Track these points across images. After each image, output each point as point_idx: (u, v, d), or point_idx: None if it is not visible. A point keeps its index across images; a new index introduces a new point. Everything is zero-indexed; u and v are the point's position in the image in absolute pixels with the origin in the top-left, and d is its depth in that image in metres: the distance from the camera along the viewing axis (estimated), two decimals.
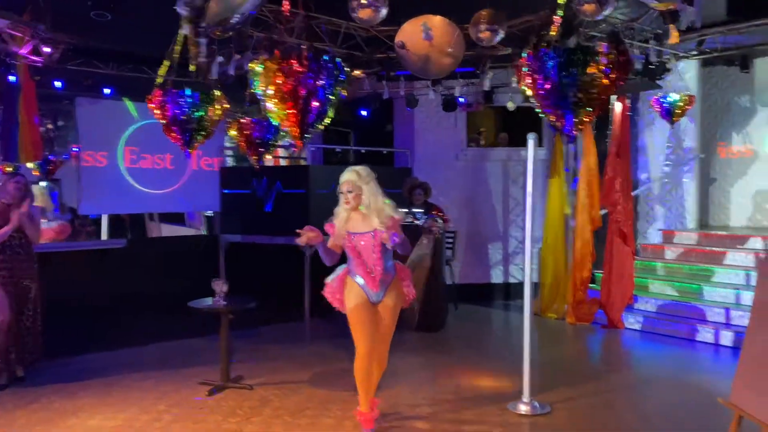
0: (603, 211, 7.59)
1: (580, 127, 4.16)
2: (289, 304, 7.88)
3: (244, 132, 6.72)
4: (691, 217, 8.64)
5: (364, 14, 5.19)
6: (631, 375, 5.88)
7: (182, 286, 6.02)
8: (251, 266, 8.13)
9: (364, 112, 9.35)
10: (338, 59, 4.34)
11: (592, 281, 7.81)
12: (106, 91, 8.04)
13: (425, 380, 5.36)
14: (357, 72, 6.93)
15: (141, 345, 6.48)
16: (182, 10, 4.61)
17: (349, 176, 3.94)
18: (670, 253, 7.97)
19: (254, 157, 6.91)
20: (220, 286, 5.03)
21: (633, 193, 7.79)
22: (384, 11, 5.18)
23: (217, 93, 5.29)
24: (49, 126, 10.49)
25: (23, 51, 6.12)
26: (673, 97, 7.56)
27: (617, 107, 7.37)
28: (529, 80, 4.22)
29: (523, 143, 4.62)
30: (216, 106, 5.22)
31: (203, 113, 5.10)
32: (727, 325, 6.58)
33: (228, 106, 5.47)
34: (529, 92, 4.30)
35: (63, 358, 5.90)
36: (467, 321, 7.86)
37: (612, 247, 7.34)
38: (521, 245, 8.99)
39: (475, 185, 9.15)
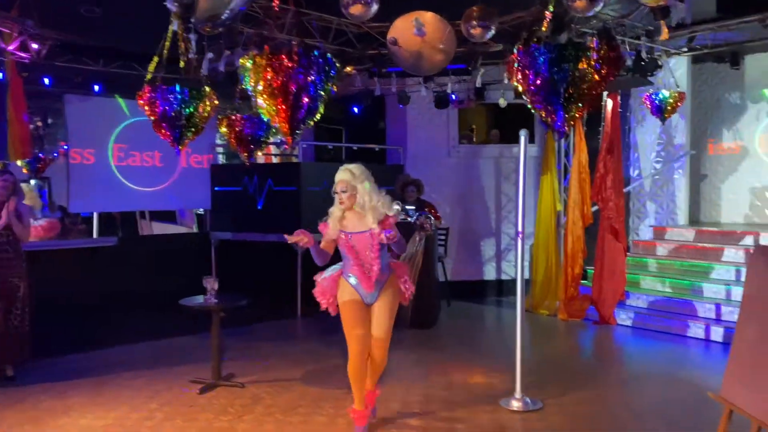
0: (594, 208, 7.62)
1: (571, 122, 4.16)
2: (281, 302, 7.87)
3: (235, 129, 6.70)
4: (682, 214, 8.67)
5: (355, 10, 5.17)
6: (623, 371, 5.91)
7: (173, 284, 6.00)
8: (243, 264, 8.10)
9: (355, 109, 9.33)
10: (329, 55, 4.31)
11: (584, 277, 7.84)
12: (96, 88, 7.99)
13: (418, 377, 5.35)
14: (348, 68, 6.90)
15: (132, 343, 6.44)
16: (172, 6, 4.58)
17: (342, 176, 3.88)
18: (662, 250, 8.00)
19: (245, 154, 6.88)
20: (211, 284, 5.00)
21: (624, 190, 7.81)
22: (375, 7, 5.17)
23: (207, 89, 5.25)
24: (39, 123, 10.42)
25: (11, 47, 6.07)
26: (664, 94, 7.58)
27: (609, 104, 7.39)
28: (520, 76, 4.22)
29: (515, 140, 4.62)
30: (206, 103, 5.18)
31: (193, 110, 5.06)
32: (718, 320, 6.61)
33: (218, 102, 5.43)
34: (520, 88, 4.30)
35: (53, 357, 5.85)
36: (460, 318, 7.87)
37: (603, 244, 7.36)
38: (513, 242, 9.00)
39: (468, 182, 9.15)
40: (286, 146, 7.18)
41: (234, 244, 8.31)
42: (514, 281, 4.75)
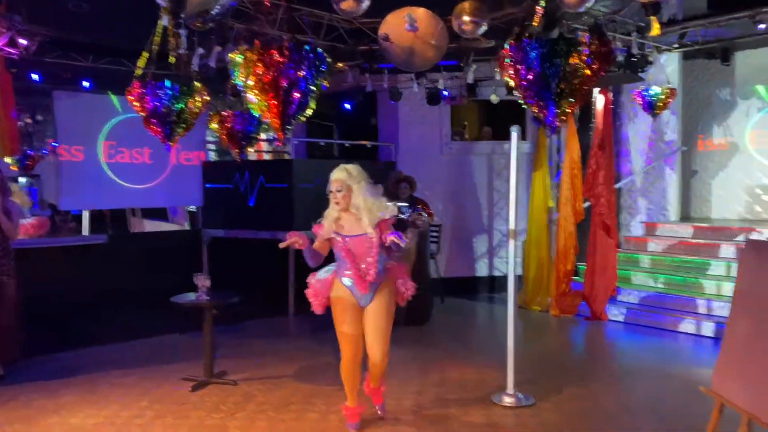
0: (586, 204, 7.63)
1: (562, 117, 4.16)
2: (274, 299, 7.84)
3: (226, 125, 6.65)
4: (673, 210, 8.71)
5: (346, 6, 5.15)
6: (615, 366, 5.93)
7: (165, 281, 5.95)
8: (235, 261, 8.07)
9: (347, 106, 9.30)
10: (320, 50, 4.29)
11: (576, 273, 7.87)
12: (85, 84, 7.92)
13: (411, 373, 5.35)
14: (340, 64, 6.87)
15: (123, 341, 6.40)
16: (161, 1, 4.54)
17: (338, 175, 3.80)
18: (653, 246, 8.03)
19: (236, 150, 6.84)
20: (203, 281, 4.98)
21: (616, 186, 7.84)
22: (366, 3, 5.14)
23: (198, 85, 5.21)
24: (28, 120, 10.34)
25: None
26: (655, 90, 7.60)
27: (600, 100, 7.40)
28: (511, 71, 4.21)
29: (507, 137, 4.62)
30: (196, 98, 5.14)
31: (183, 105, 5.02)
32: (709, 315, 6.65)
33: (209, 98, 5.39)
34: (511, 83, 4.29)
35: (43, 355, 5.81)
36: (452, 314, 7.87)
37: (595, 240, 7.39)
38: (505, 238, 9.00)
39: (460, 179, 9.15)
40: (278, 143, 7.15)
41: (226, 241, 8.27)
42: (506, 277, 4.75)
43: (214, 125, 6.77)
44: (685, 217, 8.94)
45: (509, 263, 4.72)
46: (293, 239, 3.66)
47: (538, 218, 8.06)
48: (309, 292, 3.98)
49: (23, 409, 4.51)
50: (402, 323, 6.84)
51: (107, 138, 7.66)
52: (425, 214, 7.06)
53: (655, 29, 5.59)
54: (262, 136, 8.12)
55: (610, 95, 7.59)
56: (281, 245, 3.72)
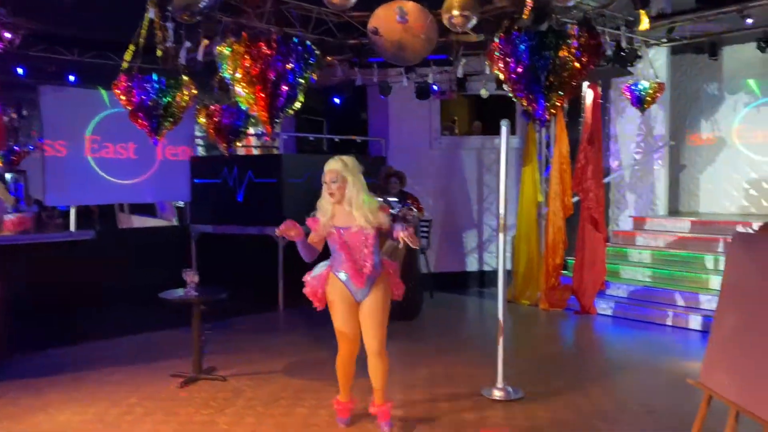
0: (575, 199, 7.65)
1: (552, 111, 4.15)
2: (263, 295, 7.81)
3: (213, 119, 6.60)
4: (662, 204, 8.76)
5: None
6: (604, 359, 5.95)
7: (153, 277, 5.91)
8: (223, 257, 8.03)
9: (337, 100, 9.27)
10: (308, 42, 4.25)
11: (565, 268, 7.89)
12: (71, 78, 7.83)
13: (400, 368, 5.33)
14: (329, 58, 6.83)
15: (111, 338, 6.35)
16: None
17: (334, 165, 3.68)
18: (641, 240, 8.07)
19: (224, 145, 6.79)
20: (191, 277, 4.94)
21: (604, 181, 7.86)
22: None
23: (185, 78, 5.16)
24: (13, 115, 10.19)
25: None
26: (644, 84, 7.63)
27: (589, 95, 7.42)
28: (501, 64, 4.20)
29: (497, 132, 4.60)
30: (184, 92, 5.09)
31: (170, 99, 4.96)
32: (697, 309, 6.69)
33: (196, 92, 5.34)
34: (501, 76, 4.28)
35: (30, 352, 5.75)
36: (442, 309, 7.88)
37: (584, 234, 7.41)
38: (495, 233, 9.03)
39: (450, 174, 9.15)
40: (267, 137, 7.11)
41: (214, 236, 8.22)
42: (495, 272, 4.74)
43: (202, 119, 6.71)
44: (673, 212, 9.00)
45: (499, 258, 4.72)
46: (289, 228, 3.57)
47: (527, 213, 8.08)
48: (307, 290, 3.91)
49: (10, 407, 4.46)
50: (392, 318, 6.84)
51: (92, 133, 7.58)
52: (415, 209, 7.07)
53: (644, 23, 5.59)
54: (251, 130, 8.06)
55: (599, 90, 7.61)
56: (277, 231, 3.62)
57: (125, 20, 5.22)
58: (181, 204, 9.99)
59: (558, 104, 4.16)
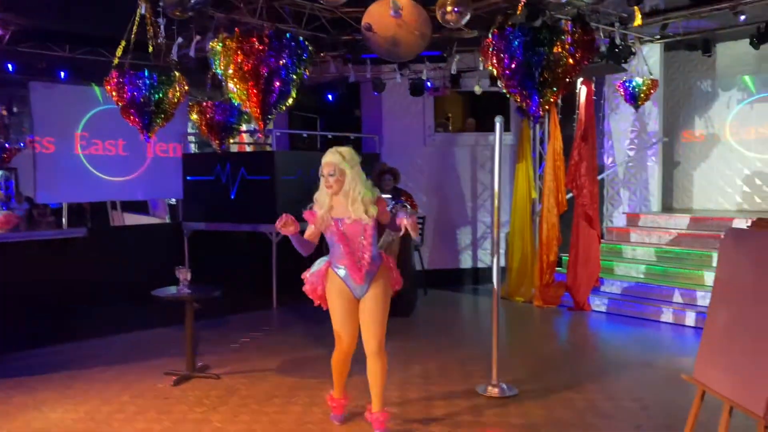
0: (569, 195, 7.66)
1: (545, 107, 4.14)
2: (256, 292, 7.78)
3: (206, 115, 6.56)
4: (655, 200, 8.78)
5: None
6: (598, 356, 5.96)
7: (145, 275, 5.87)
8: (216, 254, 7.99)
9: (330, 97, 9.23)
10: (301, 38, 4.22)
11: (559, 264, 7.90)
12: (62, 74, 7.77)
13: (394, 365, 5.31)
14: (322, 54, 6.80)
15: (103, 336, 6.32)
16: None
17: (331, 157, 3.61)
18: (635, 236, 8.09)
19: (216, 142, 6.75)
20: (184, 274, 4.91)
21: (599, 177, 7.87)
22: None
23: (177, 74, 5.12)
24: (4, 112, 10.12)
25: None
26: (638, 81, 7.64)
27: (583, 92, 7.41)
28: (495, 60, 4.19)
29: (491, 128, 4.59)
30: (176, 88, 5.05)
31: (162, 95, 4.92)
32: (691, 305, 6.71)
33: (188, 88, 5.30)
34: (495, 72, 4.27)
35: (22, 351, 5.71)
36: (436, 306, 7.87)
37: (578, 231, 7.42)
38: (489, 230, 9.03)
39: (444, 171, 9.13)
40: (260, 134, 7.07)
41: (207, 234, 8.18)
42: (490, 269, 4.74)
43: (194, 116, 6.67)
44: (667, 208, 9.02)
45: (494, 255, 4.71)
46: (288, 224, 3.51)
47: (521, 209, 8.08)
48: (306, 288, 3.86)
49: (2, 405, 4.43)
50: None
51: (82, 129, 7.52)
52: (409, 206, 7.05)
53: (638, 20, 5.59)
54: (244, 127, 8.01)
55: (593, 87, 7.61)
56: (276, 225, 3.57)
57: (117, 16, 5.17)
58: (173, 201, 9.95)
59: (552, 100, 4.15)
